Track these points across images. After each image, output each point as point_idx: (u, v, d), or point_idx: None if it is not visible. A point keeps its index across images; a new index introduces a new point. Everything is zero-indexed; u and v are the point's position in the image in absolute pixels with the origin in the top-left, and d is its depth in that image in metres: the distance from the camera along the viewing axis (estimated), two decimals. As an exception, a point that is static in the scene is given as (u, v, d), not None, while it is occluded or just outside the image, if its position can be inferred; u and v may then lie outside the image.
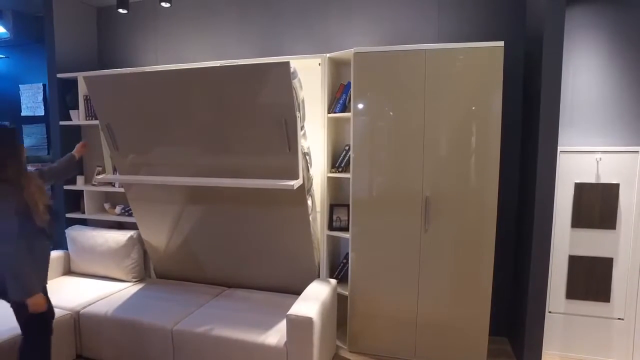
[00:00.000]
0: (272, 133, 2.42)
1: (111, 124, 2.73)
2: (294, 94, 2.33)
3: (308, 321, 2.31)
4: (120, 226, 3.61)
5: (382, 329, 2.88)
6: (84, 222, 3.73)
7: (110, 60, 3.89)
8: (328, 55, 2.91)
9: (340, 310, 2.99)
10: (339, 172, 3.03)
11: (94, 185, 3.60)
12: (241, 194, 2.71)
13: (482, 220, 2.63)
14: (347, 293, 2.94)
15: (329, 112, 2.97)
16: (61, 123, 3.64)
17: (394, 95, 2.71)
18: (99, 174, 3.63)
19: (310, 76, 3.00)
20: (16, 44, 5.47)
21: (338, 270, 3.15)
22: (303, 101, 2.59)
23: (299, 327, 2.32)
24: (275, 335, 2.42)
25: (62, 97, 3.66)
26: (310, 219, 2.75)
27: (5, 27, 5.55)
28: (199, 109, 2.55)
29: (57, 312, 2.67)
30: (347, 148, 3.00)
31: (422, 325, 2.79)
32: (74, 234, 3.44)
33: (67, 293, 3.00)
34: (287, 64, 2.23)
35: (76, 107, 3.58)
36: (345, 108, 2.96)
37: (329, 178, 3.03)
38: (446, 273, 2.72)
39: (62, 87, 3.66)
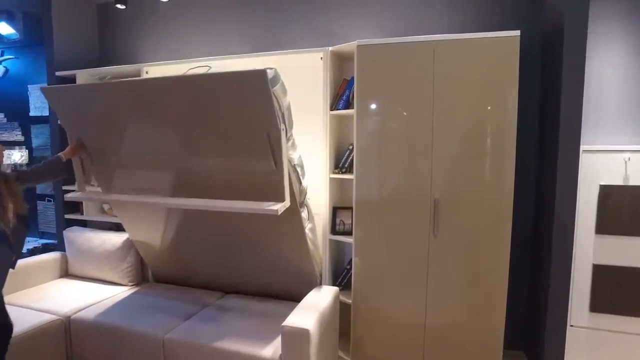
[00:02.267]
0: (255, 147, 2.14)
1: (82, 137, 2.51)
2: (276, 104, 2.02)
3: (304, 333, 2.14)
4: (119, 228, 3.51)
5: (387, 338, 2.69)
6: (83, 224, 3.66)
7: (111, 57, 3.81)
8: (330, 49, 2.75)
9: (343, 319, 2.81)
10: (342, 173, 2.86)
11: (92, 185, 3.50)
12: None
13: (496, 224, 2.42)
14: (350, 301, 2.76)
15: (331, 109, 2.81)
16: (60, 121, 3.56)
17: (401, 91, 2.52)
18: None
19: (311, 71, 2.85)
20: (26, 44, 5.49)
21: (341, 277, 2.97)
22: (289, 108, 2.26)
23: (295, 339, 2.15)
24: (271, 347, 2.26)
25: (61, 95, 3.58)
26: (307, 230, 2.58)
27: (15, 29, 5.58)
28: (172, 121, 2.27)
29: (48, 317, 2.59)
30: (350, 147, 2.83)
31: (430, 335, 2.60)
32: (72, 235, 3.36)
33: (60, 297, 2.91)
34: (263, 72, 1.90)
35: (75, 105, 3.50)
36: (348, 104, 2.79)
37: (331, 179, 2.86)
38: (456, 280, 2.51)
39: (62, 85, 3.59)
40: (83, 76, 3.47)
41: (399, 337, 2.67)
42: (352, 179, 2.70)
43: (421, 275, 2.58)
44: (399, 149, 2.56)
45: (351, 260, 2.80)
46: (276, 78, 2.05)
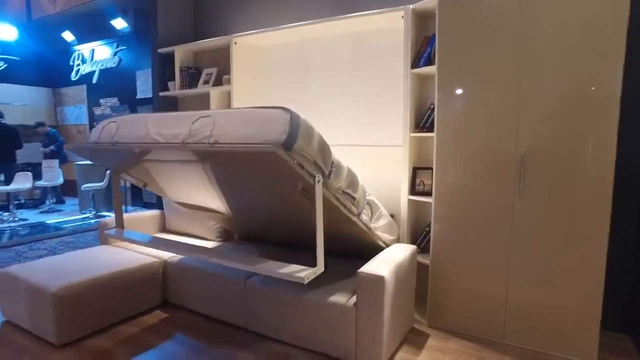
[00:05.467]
0: (296, 199, 2.08)
1: (133, 176, 2.70)
2: (301, 162, 1.79)
3: (379, 280, 2.14)
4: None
5: (466, 305, 2.57)
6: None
7: (205, 31, 4.10)
8: (411, 6, 2.69)
9: (421, 283, 2.75)
10: (423, 132, 2.79)
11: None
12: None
13: (593, 184, 2.18)
14: (428, 262, 2.69)
15: (412, 67, 2.76)
16: (161, 94, 3.96)
17: (486, 45, 2.39)
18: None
19: (392, 31, 2.83)
20: (134, 35, 6.19)
21: (420, 238, 2.91)
22: (321, 146, 1.94)
23: (370, 285, 2.16)
24: (346, 295, 2.30)
25: (161, 70, 3.97)
26: (372, 224, 2.53)
27: (127, 22, 6.32)
28: (214, 178, 2.25)
29: (150, 259, 2.93)
30: (431, 106, 2.75)
31: (513, 305, 2.43)
32: (169, 195, 3.72)
33: (159, 246, 3.25)
34: (272, 153, 1.65)
35: (173, 78, 3.86)
36: (429, 62, 2.71)
37: (412, 138, 2.81)
38: (544, 247, 2.32)
39: (162, 61, 3.97)
40: (180, 51, 3.81)
41: (478, 309, 2.54)
42: (432, 137, 2.63)
43: (504, 239, 2.42)
44: (482, 104, 2.43)
45: (430, 222, 2.72)
46: (293, 134, 1.70)
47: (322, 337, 2.33)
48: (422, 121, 2.83)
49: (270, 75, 3.65)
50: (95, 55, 6.84)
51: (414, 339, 2.54)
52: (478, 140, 2.47)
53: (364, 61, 3.18)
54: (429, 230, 2.75)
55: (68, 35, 7.06)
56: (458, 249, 2.58)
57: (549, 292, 2.33)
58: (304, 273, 1.87)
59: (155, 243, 2.48)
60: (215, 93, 3.62)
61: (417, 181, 2.86)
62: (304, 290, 2.39)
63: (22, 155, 6.64)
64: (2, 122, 6.21)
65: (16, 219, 5.94)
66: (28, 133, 7.25)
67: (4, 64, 7.40)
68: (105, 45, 6.63)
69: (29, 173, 6.10)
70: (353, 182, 2.27)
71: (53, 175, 6.41)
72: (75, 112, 7.41)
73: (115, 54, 6.47)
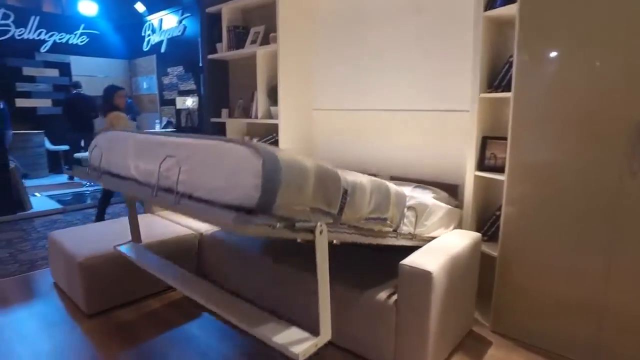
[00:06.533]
0: None
1: None
2: (289, 222, 1.26)
3: (426, 276, 1.72)
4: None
5: (542, 310, 2.05)
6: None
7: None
8: None
9: (486, 277, 2.26)
10: (497, 92, 2.23)
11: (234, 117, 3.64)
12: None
13: None
14: (495, 254, 2.19)
15: (485, 10, 2.18)
16: (209, 57, 3.75)
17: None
18: (239, 107, 3.66)
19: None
20: (197, 2, 6.08)
21: (488, 224, 2.39)
22: (316, 179, 1.35)
23: (414, 282, 1.75)
24: (387, 290, 1.91)
25: (210, 31, 3.75)
26: (419, 233, 2.12)
27: (190, -13, 6.18)
28: None
29: (187, 231, 2.84)
30: (510, 59, 2.17)
31: (613, 318, 1.86)
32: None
33: (199, 218, 3.11)
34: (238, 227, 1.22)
35: (221, 40, 3.61)
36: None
37: (482, 100, 2.27)
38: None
39: (210, 21, 3.73)
40: (227, 8, 3.54)
41: (559, 316, 2.00)
42: (509, 99, 2.07)
43: (603, 232, 1.84)
44: (582, 52, 1.82)
45: (502, 205, 2.20)
46: (269, 190, 1.16)
47: (356, 336, 1.98)
48: (498, 79, 2.26)
49: (321, 32, 3.24)
50: (163, 24, 6.91)
51: (472, 345, 2.09)
52: (572, 100, 1.87)
53: (427, 11, 2.64)
54: (499, 215, 2.22)
55: (140, 7, 7.21)
56: (536, 239, 2.04)
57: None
58: (301, 347, 1.36)
59: (164, 271, 2.07)
60: (261, 53, 3.31)
61: (487, 154, 2.33)
62: (336, 279, 2.05)
63: (101, 123, 7.03)
64: (81, 92, 6.58)
65: (92, 183, 6.33)
66: (108, 103, 7.66)
67: (87, 38, 7.81)
68: (172, 13, 6.64)
69: (104, 141, 6.43)
70: (382, 200, 1.76)
71: (126, 143, 6.69)
72: (147, 82, 7.66)
73: (180, 21, 6.45)
